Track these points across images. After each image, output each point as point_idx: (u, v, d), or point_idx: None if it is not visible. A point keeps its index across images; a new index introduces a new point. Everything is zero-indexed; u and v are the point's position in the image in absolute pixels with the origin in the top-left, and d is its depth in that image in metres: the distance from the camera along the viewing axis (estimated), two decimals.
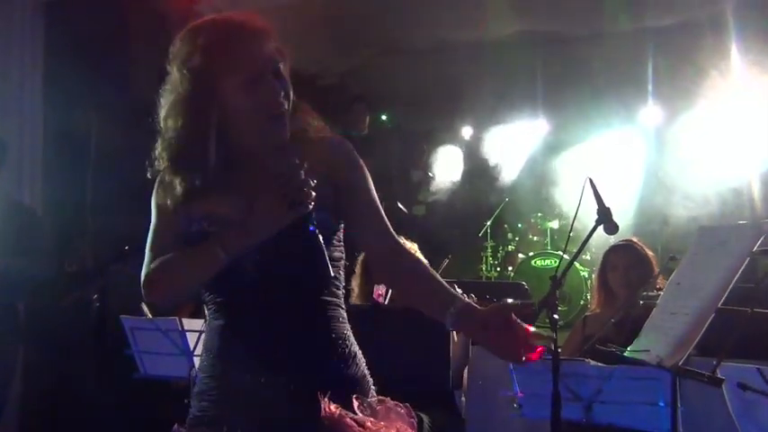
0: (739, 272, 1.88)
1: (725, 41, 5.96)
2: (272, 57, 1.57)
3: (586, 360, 2.66)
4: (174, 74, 1.58)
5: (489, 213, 7.65)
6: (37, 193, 4.64)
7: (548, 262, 6.78)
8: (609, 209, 2.83)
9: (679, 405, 2.43)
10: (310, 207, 1.50)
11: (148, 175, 1.67)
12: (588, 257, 6.61)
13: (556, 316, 2.56)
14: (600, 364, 2.65)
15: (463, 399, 3.66)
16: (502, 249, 7.55)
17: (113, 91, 4.86)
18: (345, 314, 1.68)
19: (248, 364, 1.58)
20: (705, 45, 6.05)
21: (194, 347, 3.23)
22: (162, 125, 1.61)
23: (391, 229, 1.70)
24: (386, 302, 3.32)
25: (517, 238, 7.47)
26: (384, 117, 8.64)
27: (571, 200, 7.04)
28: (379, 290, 3.37)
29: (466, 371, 3.62)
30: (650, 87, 7.12)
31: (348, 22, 6.33)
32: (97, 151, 5.00)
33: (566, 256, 6.61)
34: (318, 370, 1.59)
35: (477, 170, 8.14)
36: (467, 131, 8.47)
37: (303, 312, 1.61)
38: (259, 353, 1.57)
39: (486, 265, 7.53)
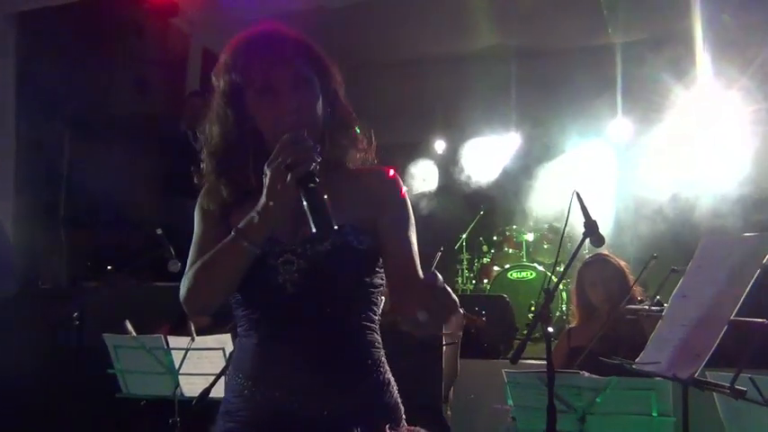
0: (751, 283, 1.91)
1: (692, 55, 6.10)
2: (284, 68, 1.54)
3: (581, 372, 2.67)
4: (214, 88, 1.63)
5: (464, 226, 7.66)
6: (9, 207, 4.52)
7: (524, 274, 6.77)
8: (595, 222, 2.85)
9: (673, 415, 2.46)
10: (312, 166, 1.41)
11: (197, 183, 1.67)
12: (562, 269, 6.61)
13: (550, 329, 2.57)
14: (593, 375, 2.65)
15: (449, 412, 3.65)
16: (477, 262, 7.54)
17: (87, 103, 4.78)
18: (381, 340, 1.65)
19: (281, 386, 1.54)
20: (672, 59, 6.19)
21: (179, 366, 3.16)
22: (207, 137, 1.64)
23: (415, 261, 1.65)
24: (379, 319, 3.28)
25: (492, 251, 7.47)
26: (356, 131, 8.61)
27: (546, 212, 7.13)
28: None
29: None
30: (619, 100, 7.25)
31: (322, 37, 6.31)
32: (70, 165, 4.90)
33: (541, 268, 6.70)
34: (354, 396, 1.56)
35: (452, 184, 8.16)
36: (440, 145, 8.52)
37: (341, 335, 1.58)
38: (294, 374, 1.54)
39: (462, 277, 7.53)
